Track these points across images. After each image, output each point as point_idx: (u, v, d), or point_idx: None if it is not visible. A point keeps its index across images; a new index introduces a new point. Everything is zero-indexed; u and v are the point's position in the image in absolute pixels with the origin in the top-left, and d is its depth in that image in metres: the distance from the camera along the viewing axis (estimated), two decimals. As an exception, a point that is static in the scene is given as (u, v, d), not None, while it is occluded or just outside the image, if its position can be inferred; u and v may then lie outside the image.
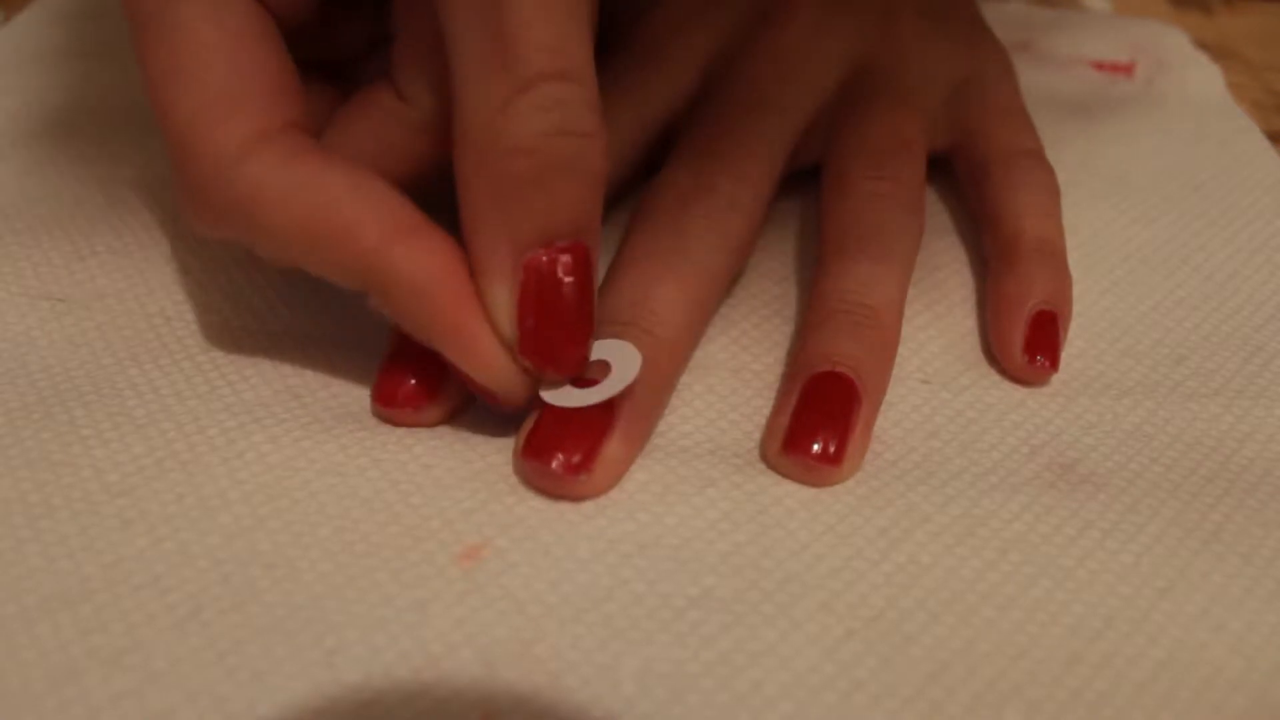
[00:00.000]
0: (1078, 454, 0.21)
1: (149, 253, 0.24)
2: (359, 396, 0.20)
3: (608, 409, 0.18)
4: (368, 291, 0.18)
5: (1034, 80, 0.29)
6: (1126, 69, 0.34)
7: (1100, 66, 0.34)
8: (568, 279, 0.17)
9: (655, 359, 0.19)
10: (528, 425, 0.19)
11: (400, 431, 0.20)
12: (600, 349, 0.19)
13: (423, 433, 0.20)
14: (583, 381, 0.18)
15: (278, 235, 0.17)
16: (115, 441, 0.19)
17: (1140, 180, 0.29)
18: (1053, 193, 0.24)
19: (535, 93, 0.16)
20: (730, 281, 0.22)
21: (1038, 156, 0.25)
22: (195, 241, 0.24)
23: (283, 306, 0.22)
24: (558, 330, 0.17)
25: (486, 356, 0.17)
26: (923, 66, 0.26)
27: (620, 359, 0.18)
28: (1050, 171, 0.25)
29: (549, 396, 0.18)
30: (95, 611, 0.16)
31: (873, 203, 0.22)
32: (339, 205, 0.17)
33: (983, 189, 0.24)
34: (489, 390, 0.18)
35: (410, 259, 0.17)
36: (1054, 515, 0.19)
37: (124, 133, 0.27)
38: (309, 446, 0.19)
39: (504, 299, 0.17)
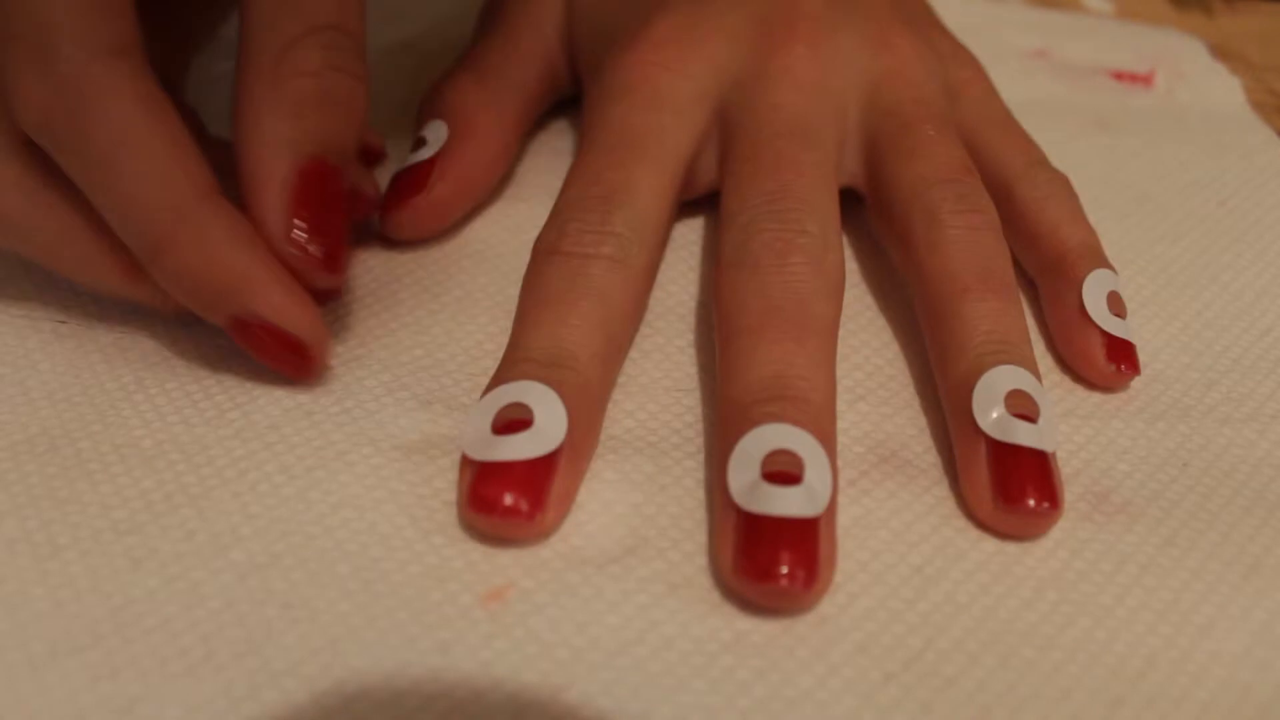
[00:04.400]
0: (1112, 482, 0.20)
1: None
2: (370, 411, 0.20)
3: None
4: (159, 250, 0.18)
5: (1054, 90, 0.29)
6: (1145, 79, 0.33)
7: (1119, 76, 0.33)
8: (333, 186, 0.19)
9: (817, 429, 0.18)
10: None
11: (417, 462, 0.19)
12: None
13: (442, 465, 0.19)
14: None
15: (102, 144, 0.18)
16: (123, 476, 0.18)
17: (1164, 196, 0.28)
18: (1074, 196, 0.25)
19: (321, 35, 0.19)
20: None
21: (1049, 165, 0.25)
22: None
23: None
24: (328, 231, 0.19)
25: (293, 302, 0.19)
26: (930, 78, 0.25)
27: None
28: (1064, 177, 0.25)
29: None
30: (105, 657, 0.16)
31: (972, 236, 0.22)
32: (166, 144, 0.18)
33: (1009, 206, 0.24)
34: (294, 343, 0.19)
35: (218, 214, 0.18)
36: (1090, 550, 0.19)
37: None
38: (323, 477, 0.19)
39: (273, 199, 0.19)
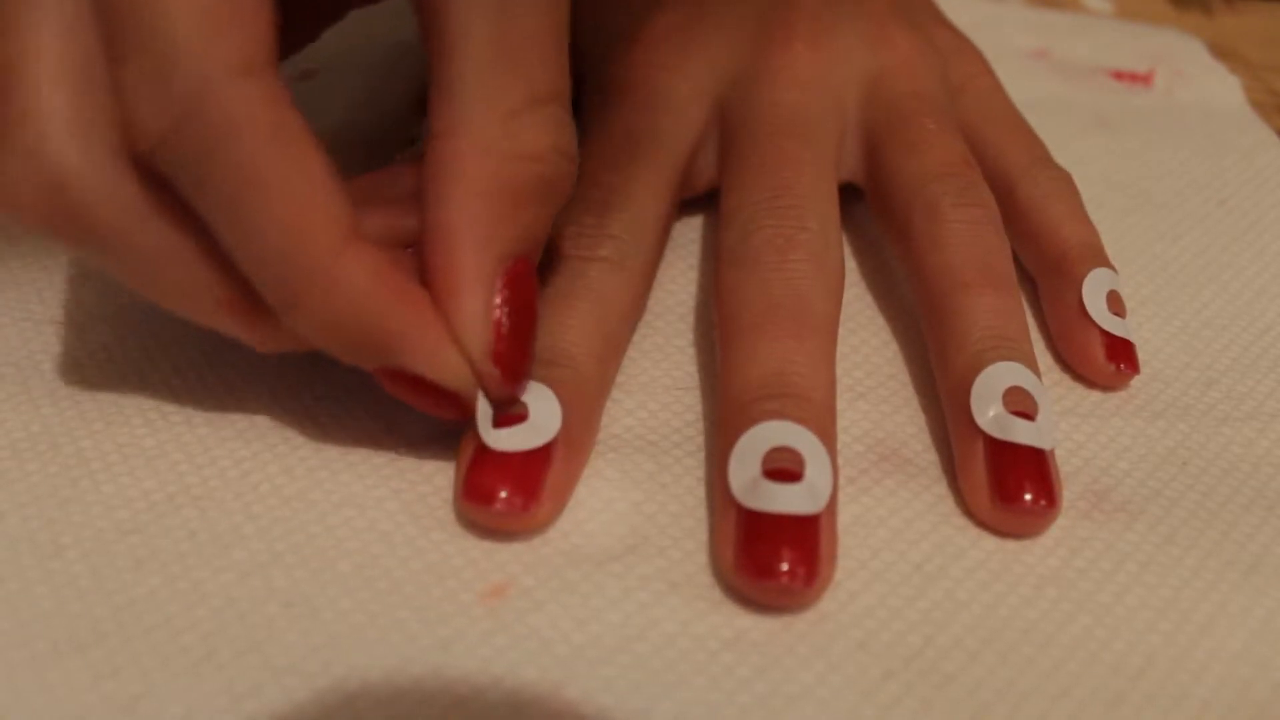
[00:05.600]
0: (1112, 480, 0.20)
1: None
2: (373, 413, 0.20)
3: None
4: (295, 301, 0.16)
5: (1055, 90, 0.29)
6: (1145, 79, 0.34)
7: (1119, 76, 0.34)
8: (530, 292, 0.17)
9: (817, 427, 0.18)
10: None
11: (420, 459, 0.19)
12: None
13: (443, 462, 0.19)
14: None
15: (230, 182, 0.15)
16: (125, 475, 0.18)
17: (1164, 196, 0.28)
18: (1076, 194, 0.25)
19: (544, 109, 0.17)
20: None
21: (1052, 163, 0.25)
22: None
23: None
24: (525, 340, 0.17)
25: (452, 357, 0.17)
26: (930, 73, 0.25)
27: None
28: (1067, 175, 0.25)
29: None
30: (107, 656, 0.16)
31: (973, 230, 0.22)
32: (303, 182, 0.15)
33: (1011, 204, 0.24)
34: (450, 394, 0.17)
35: (361, 262, 0.16)
36: (1089, 548, 0.19)
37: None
38: (325, 477, 0.19)
39: (480, 307, 0.17)
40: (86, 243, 0.16)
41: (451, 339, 0.17)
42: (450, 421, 0.19)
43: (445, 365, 0.17)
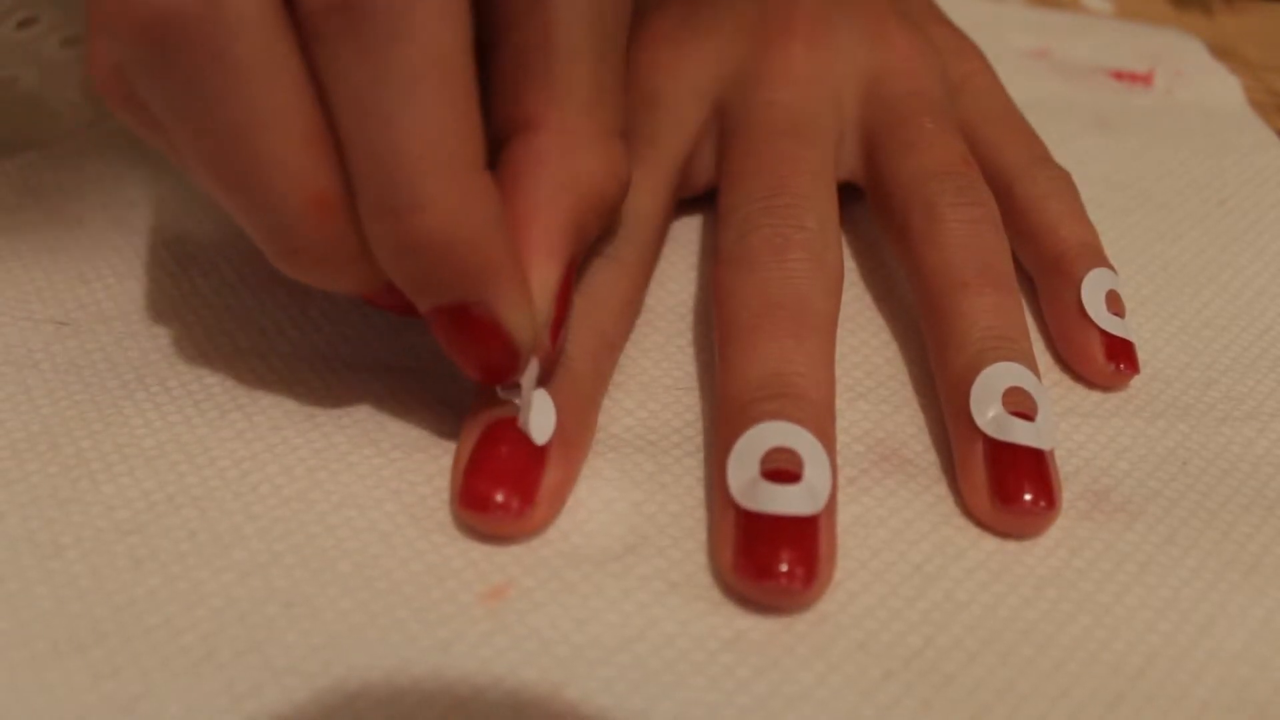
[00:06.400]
0: (1112, 481, 0.20)
1: (155, 275, 0.23)
2: (373, 416, 0.20)
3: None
4: (421, 206, 0.15)
5: (1055, 90, 0.29)
6: (1145, 79, 0.34)
7: (1119, 76, 0.34)
8: (570, 299, 0.19)
9: (816, 427, 0.18)
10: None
11: (419, 460, 0.19)
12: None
13: (443, 464, 0.19)
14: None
15: (416, 63, 0.15)
16: (125, 476, 0.18)
17: (1164, 196, 0.28)
18: (1076, 194, 0.25)
19: (622, 141, 0.19)
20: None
21: (1051, 162, 0.25)
22: (203, 263, 0.23)
23: (292, 328, 0.22)
24: (559, 336, 0.18)
25: (529, 310, 0.17)
26: (928, 71, 0.25)
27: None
28: (1066, 174, 0.25)
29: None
30: (107, 656, 0.16)
31: (971, 229, 0.22)
32: (464, 93, 0.15)
33: (1009, 203, 0.24)
34: (508, 347, 0.17)
35: (491, 186, 0.16)
36: (1089, 548, 0.19)
37: (127, 153, 0.27)
38: (324, 478, 0.19)
39: (553, 279, 0.18)
40: (199, 74, 0.15)
41: (528, 287, 0.17)
42: (446, 423, 0.19)
43: (523, 315, 0.17)
